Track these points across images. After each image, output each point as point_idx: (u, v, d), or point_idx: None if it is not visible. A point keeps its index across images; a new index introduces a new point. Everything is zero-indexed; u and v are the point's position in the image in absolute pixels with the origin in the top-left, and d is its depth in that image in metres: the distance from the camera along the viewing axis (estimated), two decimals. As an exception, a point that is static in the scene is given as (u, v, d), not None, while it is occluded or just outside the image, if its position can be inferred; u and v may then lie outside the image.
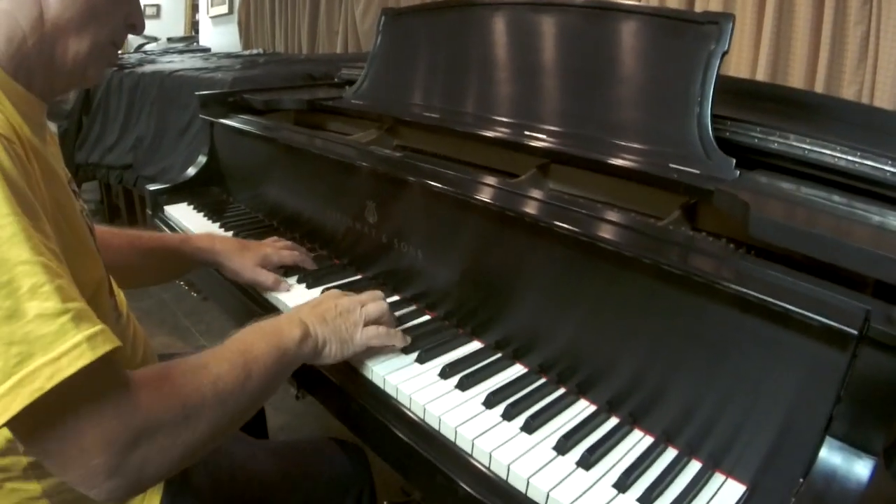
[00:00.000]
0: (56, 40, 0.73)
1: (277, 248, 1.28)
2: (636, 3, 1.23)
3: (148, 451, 0.64)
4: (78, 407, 0.60)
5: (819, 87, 1.95)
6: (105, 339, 0.61)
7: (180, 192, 1.81)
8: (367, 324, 0.95)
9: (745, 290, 0.71)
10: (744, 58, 2.10)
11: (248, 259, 1.23)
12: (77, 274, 0.66)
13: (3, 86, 0.70)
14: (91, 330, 0.60)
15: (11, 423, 0.56)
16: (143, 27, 0.81)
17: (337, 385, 0.97)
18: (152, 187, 1.81)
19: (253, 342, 0.82)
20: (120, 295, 0.97)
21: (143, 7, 0.83)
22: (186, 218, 1.65)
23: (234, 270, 1.24)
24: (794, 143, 1.06)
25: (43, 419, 0.59)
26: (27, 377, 0.56)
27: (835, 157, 1.02)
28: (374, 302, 0.98)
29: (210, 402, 0.71)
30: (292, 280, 1.24)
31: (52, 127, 3.85)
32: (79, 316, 0.59)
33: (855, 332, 0.63)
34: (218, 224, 1.58)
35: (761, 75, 2.03)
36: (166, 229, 1.68)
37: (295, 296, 1.19)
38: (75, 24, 0.73)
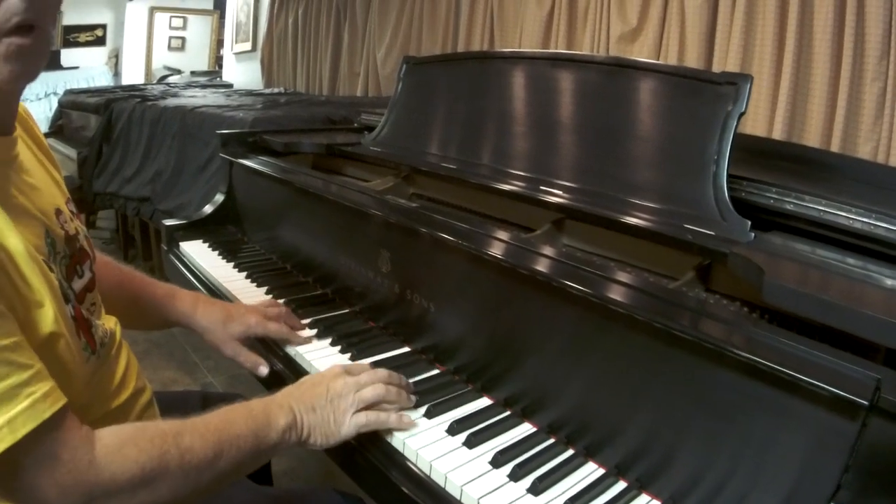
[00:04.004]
0: None
1: (268, 316, 1.20)
2: (654, 62, 1.24)
3: (107, 502, 0.70)
4: (27, 467, 0.66)
5: (836, 144, 1.94)
6: (44, 407, 0.66)
7: (196, 228, 1.82)
8: (359, 410, 0.92)
9: (755, 357, 0.70)
10: (760, 115, 2.11)
11: (231, 332, 1.17)
12: (24, 322, 0.70)
13: None
14: (17, 409, 0.64)
15: None
16: None
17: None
18: (169, 222, 1.83)
19: (234, 422, 0.83)
20: (105, 326, 0.92)
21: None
22: (201, 255, 1.67)
23: (215, 344, 1.18)
24: (810, 205, 1.06)
25: (0, 477, 0.65)
26: None
27: (850, 218, 1.01)
28: (373, 387, 0.94)
29: (173, 473, 0.74)
30: (305, 321, 1.24)
31: (67, 150, 3.89)
32: (0, 399, 0.63)
33: (865, 403, 0.63)
34: (232, 264, 1.59)
35: (778, 132, 2.04)
36: (180, 265, 1.69)
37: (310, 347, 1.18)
38: None
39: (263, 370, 1.15)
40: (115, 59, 8.81)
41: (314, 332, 1.22)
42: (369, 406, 0.93)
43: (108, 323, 0.96)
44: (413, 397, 0.98)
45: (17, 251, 0.70)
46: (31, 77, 0.73)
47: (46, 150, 0.96)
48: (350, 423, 0.91)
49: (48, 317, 0.73)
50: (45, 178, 0.88)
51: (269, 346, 1.20)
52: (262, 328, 1.18)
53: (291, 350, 1.17)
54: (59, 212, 0.86)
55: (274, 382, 1.15)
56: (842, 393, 0.64)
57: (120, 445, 0.72)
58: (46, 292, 0.73)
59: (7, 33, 0.68)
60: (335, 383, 0.93)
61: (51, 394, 0.68)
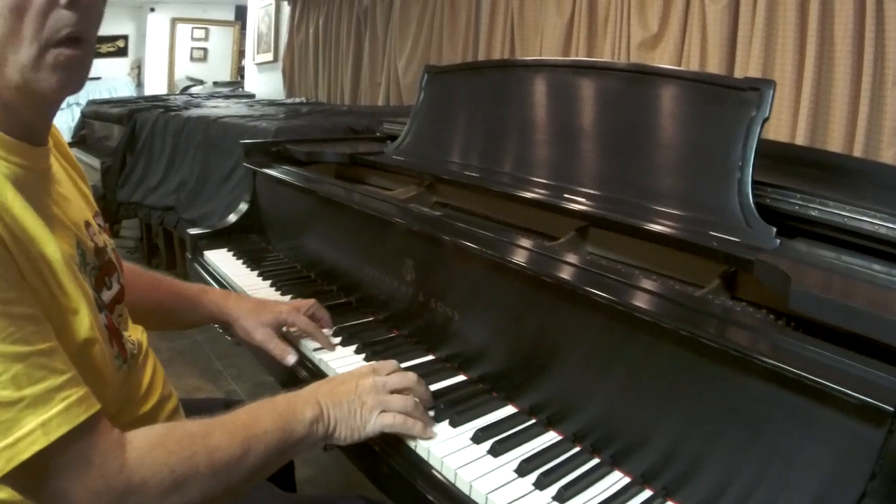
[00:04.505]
0: None
1: (299, 311, 1.23)
2: (676, 68, 1.24)
3: None
4: (58, 471, 0.66)
5: (858, 149, 1.93)
6: (78, 411, 0.67)
7: (220, 237, 1.85)
8: (385, 410, 0.92)
9: (781, 365, 0.70)
10: (783, 120, 2.10)
11: (262, 319, 1.20)
12: (60, 329, 0.71)
13: None
14: (51, 412, 0.65)
15: (5, 481, 0.64)
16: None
17: (366, 443, 0.97)
18: (193, 231, 1.86)
19: (260, 418, 0.83)
20: (133, 337, 0.94)
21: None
22: (225, 264, 1.68)
23: (245, 330, 1.20)
24: (834, 211, 1.05)
25: (31, 480, 0.66)
26: None
27: (875, 224, 1.01)
28: (403, 397, 0.94)
29: (203, 473, 0.75)
30: (328, 330, 1.25)
31: (90, 160, 3.94)
32: (35, 402, 0.64)
33: (892, 410, 0.62)
34: (256, 273, 1.60)
35: (800, 138, 2.03)
36: (205, 273, 1.71)
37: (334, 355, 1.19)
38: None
39: (291, 359, 1.17)
40: (138, 70, 8.93)
41: (339, 339, 1.23)
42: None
43: (136, 334, 0.98)
44: (431, 413, 0.98)
45: (55, 259, 0.72)
46: (77, 87, 0.76)
47: (74, 163, 0.98)
48: (376, 421, 0.91)
49: (84, 323, 0.75)
50: (74, 191, 0.90)
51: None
52: (293, 317, 1.21)
53: (316, 357, 1.18)
54: (88, 224, 0.87)
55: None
56: (868, 400, 0.64)
57: (150, 448, 0.73)
58: (82, 300, 0.75)
59: (56, 44, 0.70)
60: (364, 381, 0.94)
61: (85, 399, 0.68)
